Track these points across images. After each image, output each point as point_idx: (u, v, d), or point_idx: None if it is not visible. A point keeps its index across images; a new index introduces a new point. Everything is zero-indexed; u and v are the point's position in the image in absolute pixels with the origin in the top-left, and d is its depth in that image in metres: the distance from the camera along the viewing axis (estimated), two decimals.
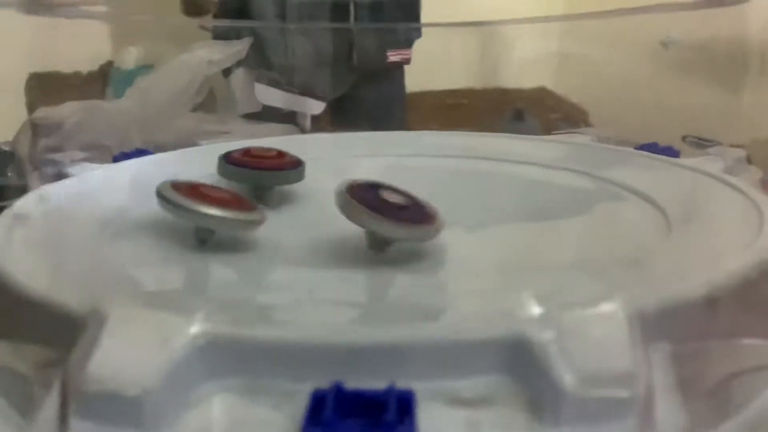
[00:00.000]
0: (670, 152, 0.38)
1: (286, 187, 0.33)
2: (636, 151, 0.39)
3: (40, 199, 0.27)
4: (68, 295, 0.18)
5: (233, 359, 0.16)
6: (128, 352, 0.15)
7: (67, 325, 0.18)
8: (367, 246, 0.23)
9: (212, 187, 0.26)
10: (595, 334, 0.16)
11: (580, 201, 0.34)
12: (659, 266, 0.22)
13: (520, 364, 0.16)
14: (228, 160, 0.31)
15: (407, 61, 0.81)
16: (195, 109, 0.66)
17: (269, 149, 0.31)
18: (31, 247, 0.22)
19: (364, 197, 0.23)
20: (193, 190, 0.24)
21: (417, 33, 0.80)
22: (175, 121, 0.54)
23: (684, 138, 0.43)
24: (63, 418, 0.14)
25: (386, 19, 0.79)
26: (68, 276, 0.21)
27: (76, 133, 0.48)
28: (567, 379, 0.14)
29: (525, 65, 0.78)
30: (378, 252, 0.23)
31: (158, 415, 0.14)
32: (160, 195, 0.24)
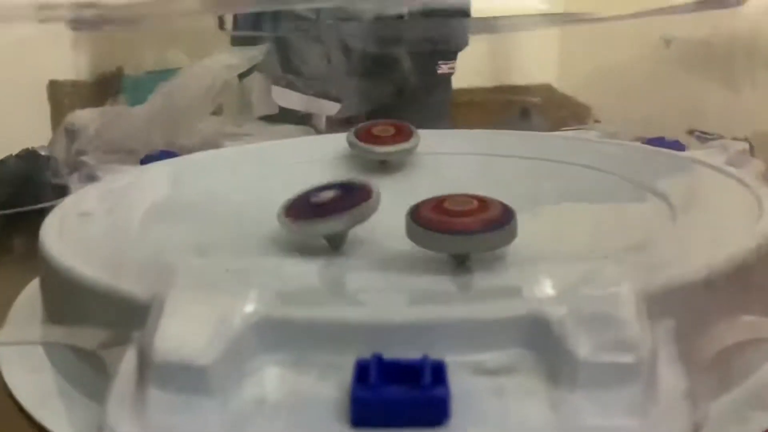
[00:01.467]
0: (677, 146, 0.40)
1: None
2: (641, 145, 0.41)
3: (99, 198, 0.29)
4: (131, 284, 0.20)
5: (283, 336, 0.18)
6: (193, 329, 0.17)
7: (128, 310, 0.20)
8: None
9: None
10: (604, 310, 0.18)
11: (590, 193, 0.35)
12: (664, 251, 0.23)
13: (538, 338, 0.18)
14: (419, 220, 0.22)
15: (453, 71, 0.79)
16: (214, 113, 0.68)
17: (466, 198, 0.23)
18: (93, 241, 0.24)
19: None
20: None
21: (464, 41, 0.76)
22: (197, 125, 0.56)
23: (689, 132, 0.44)
24: (141, 388, 0.16)
25: (437, 29, 0.79)
26: (128, 267, 0.23)
27: (103, 137, 0.50)
28: (580, 348, 0.16)
29: (529, 63, 0.79)
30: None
31: (222, 383, 0.16)
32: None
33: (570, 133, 0.51)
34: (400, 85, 0.72)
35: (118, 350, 0.19)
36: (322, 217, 0.25)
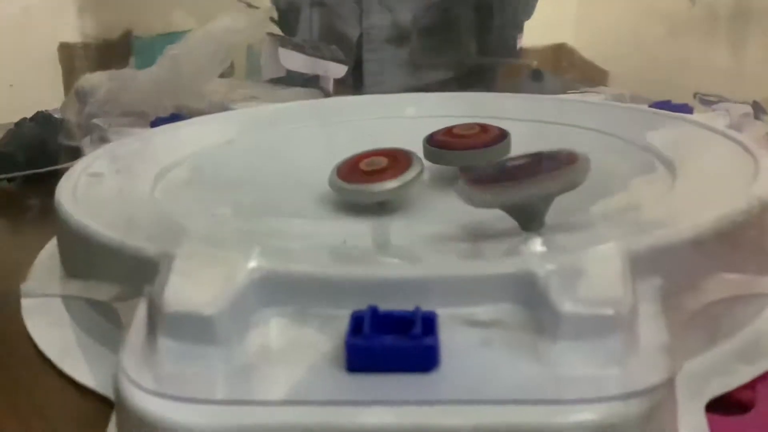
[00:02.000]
0: (685, 109, 0.40)
1: None
2: (646, 108, 0.41)
3: (111, 158, 0.30)
4: (139, 241, 0.21)
5: (284, 290, 0.19)
6: (199, 282, 0.18)
7: (140, 265, 0.21)
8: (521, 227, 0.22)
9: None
10: (589, 268, 0.19)
11: (589, 155, 0.36)
12: (656, 211, 0.24)
13: (526, 294, 0.19)
14: (432, 143, 0.29)
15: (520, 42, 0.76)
16: (223, 76, 0.68)
17: (471, 126, 0.30)
18: (106, 200, 0.26)
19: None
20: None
21: (531, 10, 0.73)
22: (205, 87, 0.57)
23: (695, 95, 0.44)
24: (151, 336, 0.18)
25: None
26: (137, 225, 0.24)
27: (113, 101, 0.51)
28: (563, 302, 0.17)
29: (545, 22, 0.78)
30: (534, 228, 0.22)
31: (227, 333, 0.17)
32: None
33: (575, 96, 0.51)
34: (467, 55, 0.70)
35: (131, 303, 0.20)
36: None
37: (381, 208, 0.28)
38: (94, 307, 0.25)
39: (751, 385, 0.21)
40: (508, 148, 0.29)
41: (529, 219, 0.22)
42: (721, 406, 0.21)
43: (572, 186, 0.22)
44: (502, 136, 0.29)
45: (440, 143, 0.29)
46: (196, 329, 0.17)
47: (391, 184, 0.27)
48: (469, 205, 0.22)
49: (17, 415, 0.22)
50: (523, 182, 0.22)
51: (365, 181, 0.27)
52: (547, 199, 0.22)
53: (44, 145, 0.46)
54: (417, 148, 0.30)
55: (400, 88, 0.66)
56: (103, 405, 0.22)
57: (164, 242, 0.21)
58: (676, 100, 0.41)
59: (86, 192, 0.26)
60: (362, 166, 0.28)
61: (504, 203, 0.22)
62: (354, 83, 0.73)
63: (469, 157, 0.28)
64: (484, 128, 0.29)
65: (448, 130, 0.29)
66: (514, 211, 0.22)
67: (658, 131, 0.36)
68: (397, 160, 0.28)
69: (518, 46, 0.73)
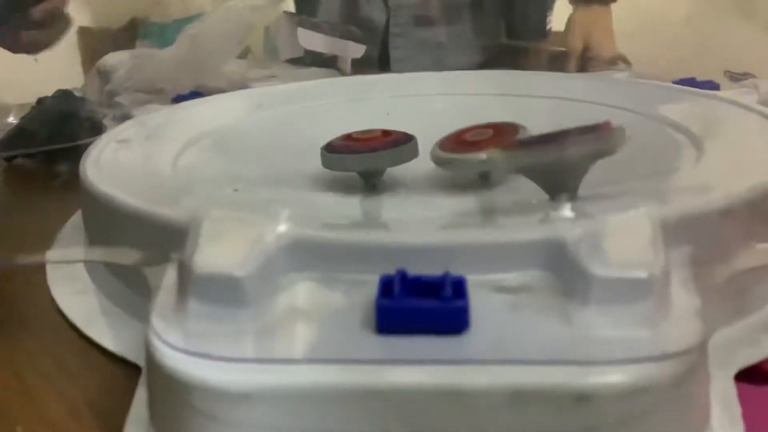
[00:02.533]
0: (710, 85, 0.39)
1: None
2: (671, 85, 0.41)
3: (139, 126, 0.30)
4: (170, 208, 0.21)
5: (313, 255, 0.19)
6: (229, 245, 0.18)
7: (168, 230, 0.21)
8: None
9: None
10: (620, 233, 0.18)
11: None
12: (687, 182, 0.24)
13: (556, 260, 0.18)
14: (331, 149, 0.26)
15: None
16: (241, 56, 0.68)
17: (371, 131, 0.27)
18: (133, 167, 0.26)
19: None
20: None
21: None
22: (224, 66, 0.57)
23: (724, 72, 0.43)
24: (182, 298, 0.18)
25: None
26: (166, 192, 0.24)
27: (134, 78, 0.51)
28: (594, 266, 0.17)
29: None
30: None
31: (256, 294, 0.17)
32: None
33: (600, 74, 0.50)
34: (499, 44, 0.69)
35: (158, 268, 0.20)
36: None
37: (485, 181, 0.26)
38: (117, 275, 0.25)
39: None
40: (414, 151, 0.26)
41: (556, 186, 0.22)
42: (749, 376, 0.20)
43: (602, 153, 0.21)
44: (407, 139, 0.26)
45: (340, 148, 0.26)
46: (226, 291, 0.17)
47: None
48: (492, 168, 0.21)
49: (49, 380, 0.23)
50: (549, 146, 0.21)
51: (468, 151, 0.24)
52: (576, 167, 0.22)
53: (65, 122, 0.46)
54: (436, 126, 0.29)
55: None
56: (128, 369, 0.22)
57: (192, 208, 0.21)
58: (700, 78, 0.41)
59: (112, 161, 0.26)
60: (467, 137, 0.26)
61: (527, 166, 0.21)
62: (380, 67, 0.72)
63: (370, 160, 0.26)
64: (386, 132, 0.27)
65: (348, 136, 0.27)
66: (538, 176, 0.22)
67: (684, 107, 0.36)
68: (502, 132, 0.26)
69: (548, 26, 0.72)
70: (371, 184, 0.27)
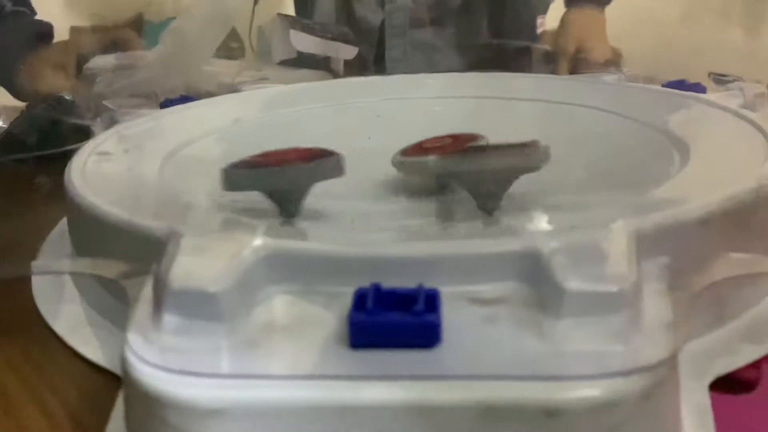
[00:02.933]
0: (698, 89, 0.39)
1: None
2: (658, 88, 0.41)
3: (119, 138, 0.30)
4: (148, 219, 0.21)
5: (290, 268, 0.19)
6: (205, 259, 0.18)
7: (147, 243, 0.21)
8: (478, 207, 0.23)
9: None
10: (594, 246, 0.18)
11: (602, 135, 0.36)
12: (664, 191, 0.24)
13: (531, 271, 0.19)
14: (241, 165, 0.23)
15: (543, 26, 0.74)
16: (230, 57, 0.68)
17: (287, 150, 0.24)
18: (115, 179, 0.26)
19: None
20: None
21: None
22: (211, 63, 0.57)
23: (709, 74, 0.43)
24: (157, 312, 0.18)
25: None
26: (145, 204, 0.24)
27: (121, 82, 0.51)
28: (567, 279, 0.17)
29: (559, 2, 0.77)
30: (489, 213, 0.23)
31: (232, 309, 0.17)
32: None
33: (589, 77, 0.50)
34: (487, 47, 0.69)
35: (138, 280, 0.20)
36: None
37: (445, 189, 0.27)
38: (103, 284, 0.25)
39: (756, 365, 0.21)
40: (338, 168, 0.23)
41: (482, 195, 0.23)
42: (725, 385, 0.21)
43: (525, 170, 0.23)
44: (327, 154, 0.24)
45: (251, 164, 0.23)
46: (202, 306, 0.17)
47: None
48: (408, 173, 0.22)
49: (29, 389, 0.23)
50: (479, 156, 0.22)
51: (424, 154, 0.26)
52: (500, 179, 0.22)
53: (56, 127, 0.46)
54: (427, 128, 0.30)
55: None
56: (113, 380, 0.22)
57: (172, 220, 0.21)
58: (691, 79, 0.41)
59: (95, 171, 0.26)
60: (427, 145, 0.27)
61: (457, 172, 0.23)
62: (376, 68, 0.73)
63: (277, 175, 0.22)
64: (308, 151, 0.24)
65: (264, 154, 0.24)
66: (466, 184, 0.23)
67: (670, 111, 0.36)
68: (460, 141, 0.27)
69: (539, 30, 0.72)
70: (288, 212, 0.23)
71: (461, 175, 0.23)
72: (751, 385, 0.21)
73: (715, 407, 0.19)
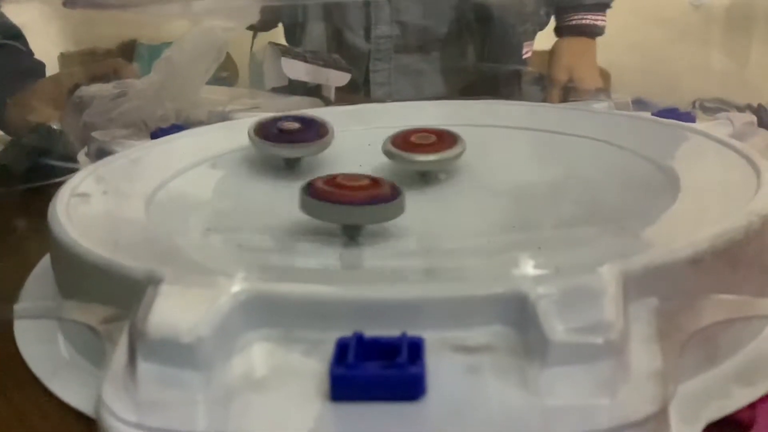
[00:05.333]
0: (688, 118, 0.39)
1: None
2: (649, 116, 0.41)
3: (96, 179, 0.30)
4: (128, 262, 0.21)
5: (269, 312, 0.18)
6: (182, 307, 0.18)
7: (127, 286, 0.21)
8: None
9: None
10: (582, 292, 0.18)
11: (591, 166, 0.36)
12: (653, 229, 0.24)
13: (517, 316, 0.18)
14: (312, 192, 0.25)
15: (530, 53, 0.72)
16: (221, 84, 0.68)
17: (358, 176, 0.26)
18: (93, 220, 0.25)
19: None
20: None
21: (548, 16, 0.71)
22: (202, 92, 0.56)
23: (694, 103, 0.44)
24: (132, 361, 0.17)
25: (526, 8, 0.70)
26: (126, 245, 0.24)
27: (111, 111, 0.51)
28: (553, 328, 0.17)
29: (549, 26, 0.78)
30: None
31: (209, 359, 0.17)
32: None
33: (579, 104, 0.50)
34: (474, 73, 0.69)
35: (118, 325, 0.20)
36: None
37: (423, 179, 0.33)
38: (86, 325, 0.25)
39: (751, 405, 0.21)
40: (400, 208, 0.26)
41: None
42: (719, 426, 0.20)
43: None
44: (394, 194, 0.26)
45: (321, 194, 0.25)
46: (177, 355, 0.17)
47: (431, 157, 0.32)
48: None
49: None
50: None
51: (412, 151, 0.32)
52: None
53: (44, 157, 0.46)
54: None
55: (406, 97, 0.66)
56: (93, 425, 0.21)
57: (152, 263, 0.20)
58: (680, 102, 0.41)
59: (77, 212, 0.26)
60: (413, 139, 0.32)
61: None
62: (365, 93, 0.73)
63: (350, 215, 0.25)
64: (374, 181, 0.26)
65: (332, 179, 0.26)
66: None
67: (660, 141, 0.36)
68: (443, 139, 0.33)
69: (525, 56, 0.72)
70: (351, 236, 0.25)
71: None
72: (747, 426, 0.21)
73: None
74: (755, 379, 0.22)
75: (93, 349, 0.25)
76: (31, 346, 0.27)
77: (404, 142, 0.33)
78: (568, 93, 0.64)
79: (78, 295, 0.24)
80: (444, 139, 0.34)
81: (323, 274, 0.22)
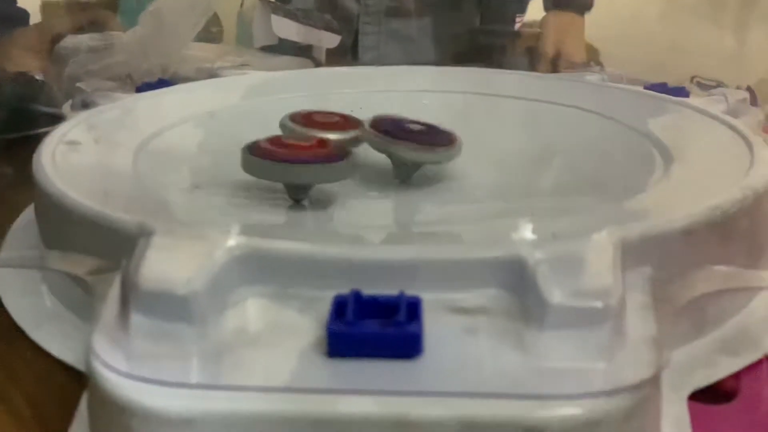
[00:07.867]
0: (682, 92, 0.39)
1: None
2: (644, 90, 0.41)
3: (88, 127, 0.29)
4: (120, 213, 0.20)
5: (264, 269, 0.18)
6: (176, 260, 0.17)
7: (118, 239, 0.20)
8: (394, 176, 0.26)
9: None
10: (579, 257, 0.18)
11: (584, 137, 0.35)
12: (648, 200, 0.24)
13: (515, 280, 0.18)
14: (255, 152, 0.24)
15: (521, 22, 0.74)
16: (210, 41, 0.66)
17: (306, 138, 0.26)
18: (84, 170, 0.25)
19: (387, 128, 0.25)
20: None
21: None
22: (188, 46, 0.55)
23: (692, 79, 0.43)
24: (124, 313, 0.17)
25: None
26: (118, 196, 0.23)
27: (97, 63, 0.50)
28: (552, 291, 0.17)
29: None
30: (403, 181, 0.26)
31: (203, 312, 0.17)
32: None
33: (572, 75, 0.50)
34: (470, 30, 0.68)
35: (107, 277, 0.20)
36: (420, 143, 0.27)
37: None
38: (71, 278, 0.24)
39: (735, 374, 0.21)
40: (349, 170, 0.25)
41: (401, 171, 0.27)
42: (704, 394, 0.20)
43: (430, 161, 0.28)
44: (341, 155, 0.25)
45: (263, 152, 0.25)
46: (171, 308, 0.16)
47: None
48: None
49: None
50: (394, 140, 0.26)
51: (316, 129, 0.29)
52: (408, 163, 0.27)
53: (25, 108, 0.44)
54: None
55: (396, 63, 0.65)
56: (79, 376, 0.21)
57: (143, 216, 0.20)
58: (671, 82, 0.41)
59: (64, 161, 0.25)
60: (317, 118, 0.30)
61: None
62: (353, 56, 0.72)
63: (292, 173, 0.25)
64: (321, 142, 0.26)
65: (280, 140, 0.26)
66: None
67: (654, 114, 0.36)
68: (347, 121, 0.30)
69: (517, 27, 0.72)
70: (296, 199, 0.25)
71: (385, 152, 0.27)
72: (730, 395, 0.21)
73: (693, 417, 0.19)
74: (740, 349, 0.22)
75: (78, 300, 0.24)
76: (15, 297, 0.26)
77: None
78: (557, 67, 0.63)
79: (63, 246, 0.24)
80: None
81: (320, 232, 0.22)
